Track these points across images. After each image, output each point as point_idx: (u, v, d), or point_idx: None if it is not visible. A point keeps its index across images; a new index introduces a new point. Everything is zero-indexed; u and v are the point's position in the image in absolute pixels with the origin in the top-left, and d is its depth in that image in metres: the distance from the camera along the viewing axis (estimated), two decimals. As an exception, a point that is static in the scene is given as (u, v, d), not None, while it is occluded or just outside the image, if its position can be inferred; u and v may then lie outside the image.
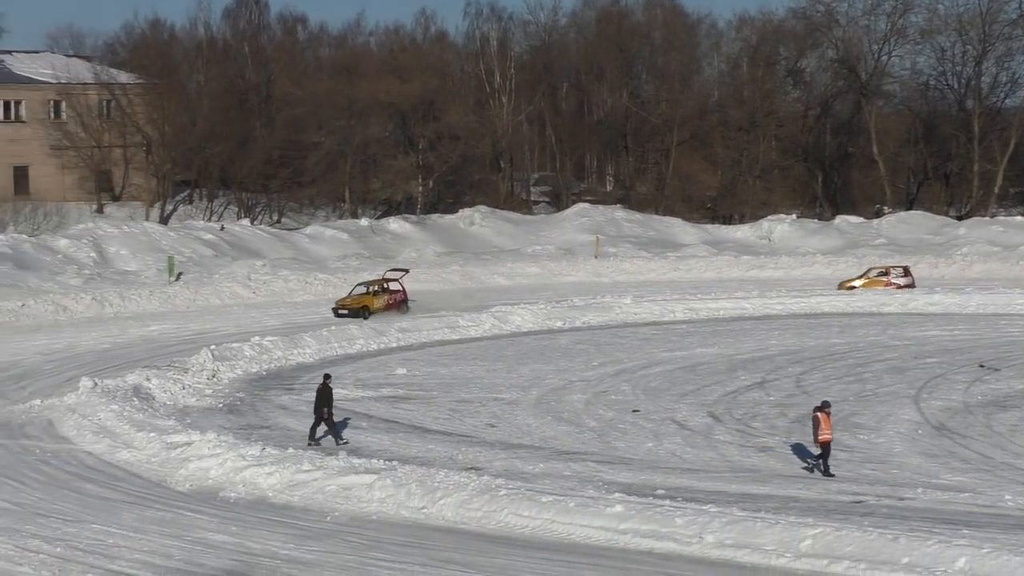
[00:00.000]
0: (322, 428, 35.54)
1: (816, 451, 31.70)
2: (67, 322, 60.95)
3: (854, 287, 69.43)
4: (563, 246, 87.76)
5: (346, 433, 36.21)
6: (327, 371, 37.83)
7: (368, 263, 79.26)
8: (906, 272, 71.36)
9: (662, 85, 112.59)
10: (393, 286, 64.40)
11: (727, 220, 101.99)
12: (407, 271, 66.36)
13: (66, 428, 37.63)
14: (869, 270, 72.48)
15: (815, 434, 31.32)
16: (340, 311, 61.72)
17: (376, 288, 63.91)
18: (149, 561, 25.08)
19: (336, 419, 35.84)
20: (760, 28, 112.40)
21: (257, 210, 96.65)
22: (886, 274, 71.27)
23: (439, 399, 41.75)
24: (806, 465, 32.11)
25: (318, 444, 35.15)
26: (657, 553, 25.23)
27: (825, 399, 33.14)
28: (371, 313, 60.96)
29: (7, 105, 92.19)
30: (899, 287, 68.97)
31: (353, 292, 64.56)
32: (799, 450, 33.67)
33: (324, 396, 35.46)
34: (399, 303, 63.46)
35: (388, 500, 28.98)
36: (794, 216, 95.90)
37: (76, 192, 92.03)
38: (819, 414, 31.21)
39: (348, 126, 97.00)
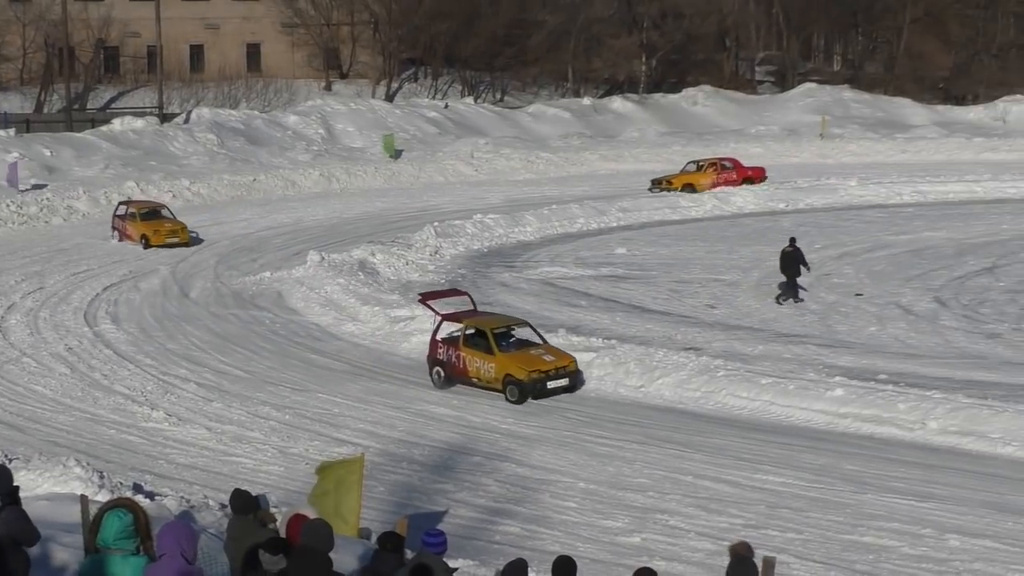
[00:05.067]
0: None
1: None
2: (295, 197, 62.34)
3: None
4: (788, 127, 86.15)
5: (565, 310, 36.47)
6: (792, 236, 39.27)
7: (590, 142, 79.08)
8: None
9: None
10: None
11: (959, 101, 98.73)
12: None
13: (294, 300, 38.63)
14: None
15: None
16: None
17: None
18: (373, 431, 25.76)
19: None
20: None
21: (481, 88, 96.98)
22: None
23: (659, 279, 41.67)
24: None
25: (801, 300, 37.39)
26: (878, 438, 24.97)
27: None
28: None
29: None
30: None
31: None
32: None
33: (792, 258, 37.17)
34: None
35: (607, 378, 29.16)
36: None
37: (305, 69, 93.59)
38: None
39: (573, 4, 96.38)
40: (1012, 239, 48.03)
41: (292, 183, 64.75)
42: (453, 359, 29.32)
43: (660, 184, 62.77)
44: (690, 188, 61.42)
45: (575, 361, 28.89)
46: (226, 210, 57.68)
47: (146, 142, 68.44)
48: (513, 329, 29.95)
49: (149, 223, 48.38)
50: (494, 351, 28.65)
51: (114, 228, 49.40)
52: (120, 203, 51.79)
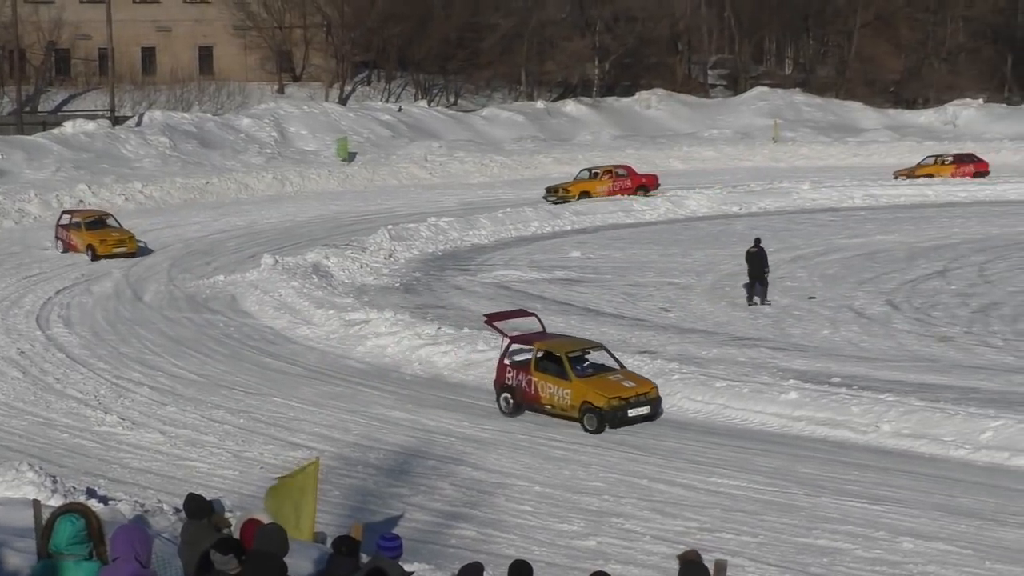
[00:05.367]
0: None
1: None
2: (249, 200, 62.21)
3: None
4: (740, 130, 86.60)
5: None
6: (756, 236, 39.77)
7: (544, 146, 79.16)
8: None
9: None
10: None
11: (910, 105, 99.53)
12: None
13: (248, 303, 38.48)
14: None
15: None
16: None
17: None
18: (328, 435, 25.68)
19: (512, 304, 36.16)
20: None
21: (434, 92, 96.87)
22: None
23: (613, 282, 41.75)
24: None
25: (755, 304, 37.69)
26: (831, 441, 25.08)
27: None
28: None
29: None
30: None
31: None
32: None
33: (759, 258, 37.64)
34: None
35: (562, 381, 29.13)
36: (981, 101, 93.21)
37: (258, 72, 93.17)
38: None
39: (525, 7, 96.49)
40: (962, 242, 48.43)
41: (245, 186, 64.59)
42: (523, 384, 27.07)
43: (556, 192, 61.31)
44: (587, 196, 60.28)
45: (656, 387, 26.70)
46: (179, 213, 57.45)
47: (98, 145, 68.05)
48: (588, 352, 27.64)
49: (95, 233, 46.62)
50: (570, 376, 26.40)
51: (57, 238, 47.78)
52: (63, 212, 49.84)
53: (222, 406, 27.68)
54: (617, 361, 27.50)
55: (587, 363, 27.31)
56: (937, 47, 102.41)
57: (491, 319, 29.22)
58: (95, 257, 45.54)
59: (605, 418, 25.79)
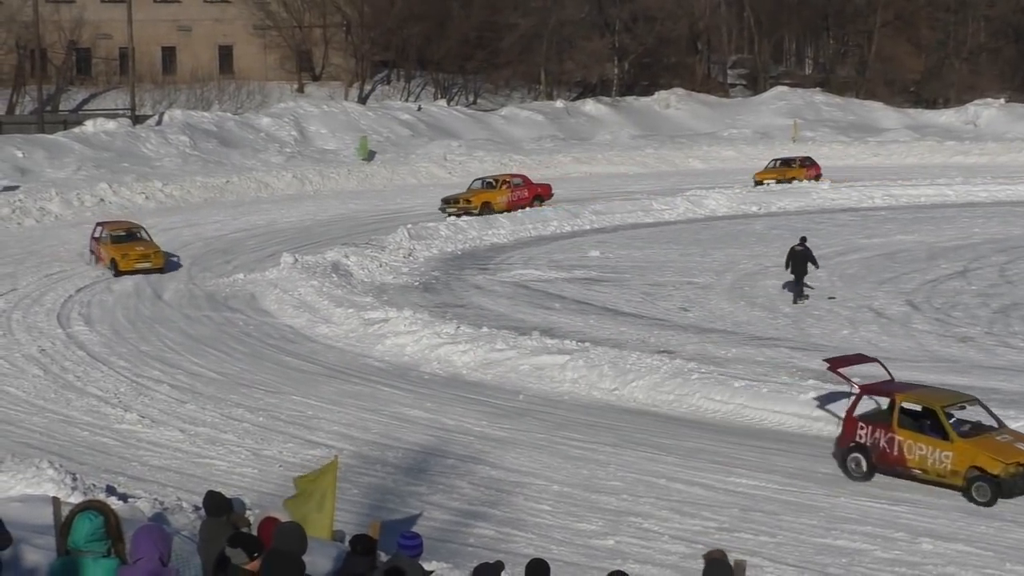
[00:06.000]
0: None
1: None
2: (268, 199, 62.32)
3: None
4: (760, 130, 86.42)
5: (539, 313, 36.48)
6: (802, 235, 40.14)
7: (563, 145, 79.11)
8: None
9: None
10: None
11: (931, 104, 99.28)
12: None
13: (268, 302, 38.54)
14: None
15: None
16: None
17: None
18: (347, 433, 25.69)
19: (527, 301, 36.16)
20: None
21: (453, 91, 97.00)
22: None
23: (632, 282, 41.71)
24: None
25: (806, 299, 38.18)
26: (851, 441, 24.96)
27: None
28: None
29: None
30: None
31: None
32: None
33: (802, 256, 37.85)
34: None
35: (580, 381, 29.16)
36: (1002, 100, 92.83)
37: (278, 72, 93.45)
38: None
39: (544, 7, 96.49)
40: (983, 243, 48.27)
41: (265, 185, 64.71)
42: (882, 444, 22.93)
43: (456, 203, 57.15)
44: (488, 207, 56.72)
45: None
46: (199, 212, 57.59)
47: (118, 144, 68.20)
48: (961, 407, 23.39)
49: (120, 246, 44.02)
50: (950, 436, 22.32)
51: (91, 251, 45.51)
52: (97, 223, 47.04)
53: (241, 404, 27.72)
54: (995, 417, 23.44)
55: (954, 418, 23.13)
56: (958, 47, 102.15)
57: (834, 365, 25.03)
58: (117, 273, 43.08)
59: (1002, 487, 21.66)
